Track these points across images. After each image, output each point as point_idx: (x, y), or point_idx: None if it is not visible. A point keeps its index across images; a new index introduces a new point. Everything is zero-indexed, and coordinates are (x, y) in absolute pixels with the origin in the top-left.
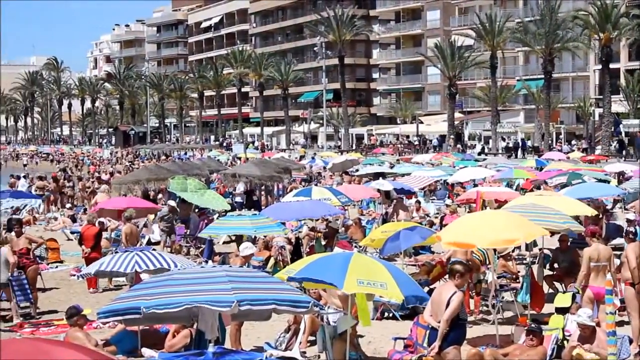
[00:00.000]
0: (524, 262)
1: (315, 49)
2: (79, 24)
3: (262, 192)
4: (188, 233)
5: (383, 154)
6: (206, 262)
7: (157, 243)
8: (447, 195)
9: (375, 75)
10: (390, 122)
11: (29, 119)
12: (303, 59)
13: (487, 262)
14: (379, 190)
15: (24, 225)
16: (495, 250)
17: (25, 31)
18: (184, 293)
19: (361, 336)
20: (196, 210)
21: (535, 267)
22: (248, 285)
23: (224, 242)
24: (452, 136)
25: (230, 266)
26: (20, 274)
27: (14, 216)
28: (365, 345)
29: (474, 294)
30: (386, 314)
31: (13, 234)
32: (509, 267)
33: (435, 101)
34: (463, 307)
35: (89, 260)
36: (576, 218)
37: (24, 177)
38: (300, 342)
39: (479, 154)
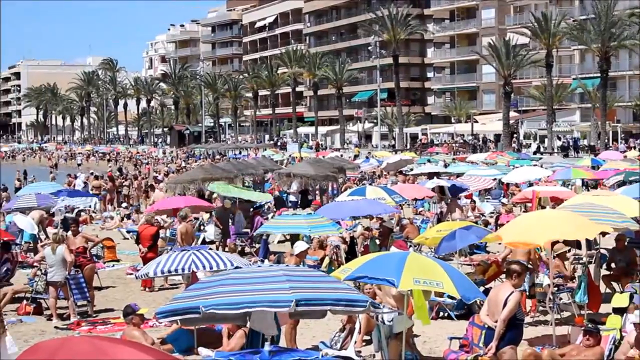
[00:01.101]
0: (581, 262)
1: (369, 48)
2: (135, 24)
3: (317, 192)
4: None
5: (437, 153)
6: (262, 261)
7: (212, 242)
8: (502, 195)
9: (429, 75)
10: (444, 121)
11: (85, 119)
12: (357, 59)
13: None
14: (434, 189)
15: (81, 224)
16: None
17: (82, 32)
18: (243, 292)
19: (416, 336)
20: (251, 209)
21: (592, 267)
22: (306, 285)
23: (279, 242)
24: (514, 135)
25: (287, 265)
26: (78, 272)
27: (70, 215)
28: (421, 345)
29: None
30: (441, 314)
31: (70, 233)
32: (561, 267)
33: (490, 100)
34: (520, 307)
35: (146, 260)
36: (634, 218)
37: (76, 177)
38: (355, 342)
39: (535, 153)
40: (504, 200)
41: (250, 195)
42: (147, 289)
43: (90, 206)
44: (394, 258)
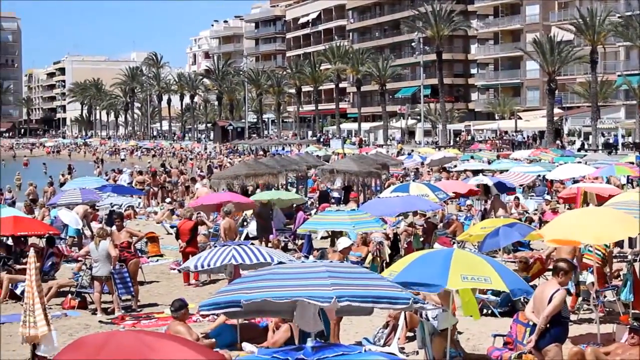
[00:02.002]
0: (626, 260)
1: (412, 44)
2: (179, 20)
3: (360, 188)
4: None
5: (481, 150)
6: (306, 257)
7: (255, 238)
8: (546, 192)
9: (473, 71)
10: (488, 117)
11: (129, 115)
12: (400, 55)
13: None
14: (478, 186)
15: (125, 219)
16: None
17: (126, 27)
18: (284, 287)
19: (460, 333)
20: (293, 205)
21: (637, 265)
22: (348, 281)
23: (322, 238)
24: (560, 132)
25: (331, 261)
26: (122, 267)
27: (115, 209)
28: (464, 342)
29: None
30: (485, 311)
31: (114, 227)
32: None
33: (534, 97)
34: (566, 305)
35: (185, 255)
36: None
37: (120, 171)
38: (399, 338)
39: (579, 150)
40: (548, 197)
41: (288, 196)
42: (191, 284)
43: (132, 205)
44: (439, 256)
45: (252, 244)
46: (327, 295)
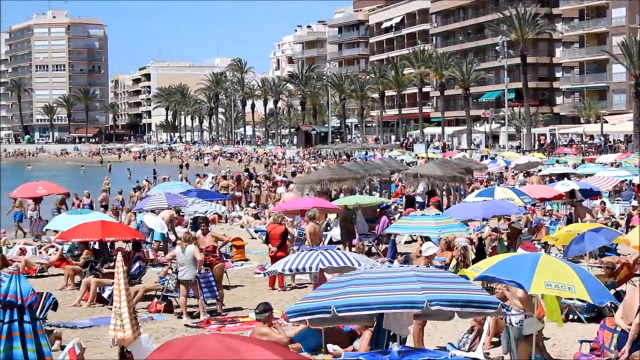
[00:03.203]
0: None
1: (497, 48)
2: (262, 26)
3: (444, 192)
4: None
5: (566, 154)
6: (390, 262)
7: (339, 242)
8: (633, 196)
9: (558, 74)
10: (573, 121)
11: (213, 120)
12: (484, 58)
13: None
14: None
15: (210, 223)
16: None
17: (210, 33)
18: (374, 293)
19: (546, 338)
20: (377, 209)
21: None
22: (437, 285)
23: (405, 242)
24: None
25: (417, 266)
26: (207, 271)
27: (200, 214)
28: (550, 348)
29: None
30: (571, 316)
31: (200, 232)
32: None
33: (620, 100)
34: None
35: (275, 259)
36: None
37: (205, 176)
38: (484, 343)
39: None
40: (635, 202)
41: (371, 201)
42: (277, 289)
43: (214, 212)
44: (525, 260)
45: (338, 248)
46: (418, 299)
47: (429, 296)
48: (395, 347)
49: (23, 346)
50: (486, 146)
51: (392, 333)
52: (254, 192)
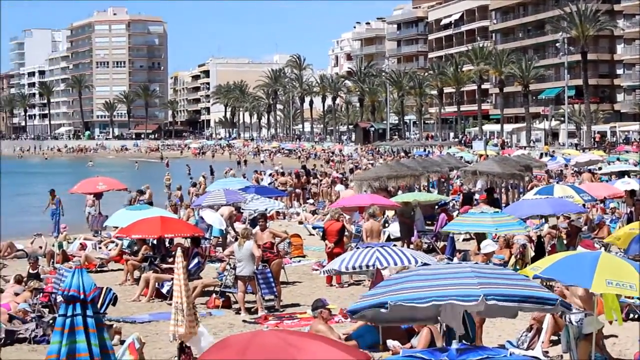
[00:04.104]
0: None
1: (557, 45)
2: (321, 23)
3: (503, 190)
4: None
5: (627, 151)
6: (449, 259)
7: (397, 239)
8: None
9: (619, 71)
10: (634, 119)
11: (271, 116)
12: (544, 55)
13: None
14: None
15: (268, 220)
16: None
17: (269, 30)
18: (430, 287)
19: (607, 337)
20: (436, 207)
21: None
22: (494, 281)
23: (464, 240)
24: None
25: (476, 263)
26: (265, 267)
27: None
28: (610, 347)
29: None
30: (631, 315)
31: (258, 228)
32: None
33: None
34: None
35: (332, 256)
36: None
37: (262, 173)
38: (543, 342)
39: None
40: None
41: (429, 198)
42: (335, 286)
43: (273, 209)
44: (586, 258)
45: (395, 245)
46: (474, 293)
47: (485, 291)
48: (454, 344)
49: (87, 340)
50: (545, 144)
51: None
52: (311, 188)
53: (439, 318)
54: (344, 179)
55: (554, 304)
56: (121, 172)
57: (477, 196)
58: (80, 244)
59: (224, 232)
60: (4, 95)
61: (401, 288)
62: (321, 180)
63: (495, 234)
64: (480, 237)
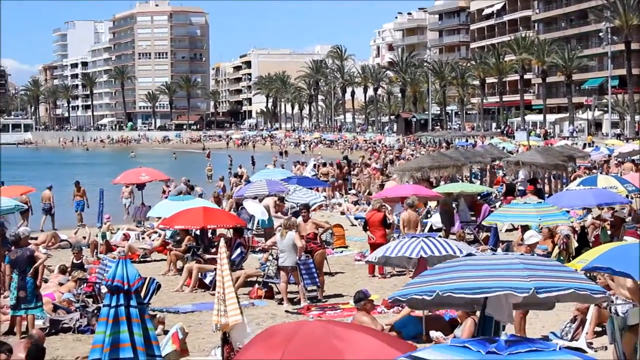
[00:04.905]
0: None
1: (600, 34)
2: (363, 13)
3: (545, 180)
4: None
5: None
6: (493, 250)
7: (439, 230)
8: None
9: None
10: None
11: (313, 107)
12: (587, 45)
13: None
14: None
15: (311, 210)
16: None
17: (310, 21)
18: (480, 278)
19: None
20: (479, 197)
21: None
22: (543, 273)
23: (506, 230)
24: None
25: (522, 254)
26: (308, 258)
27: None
28: None
29: None
30: None
31: (300, 219)
32: None
33: None
34: None
35: (374, 246)
36: None
37: (304, 164)
38: (587, 333)
39: None
40: None
41: (471, 189)
42: (377, 276)
43: (316, 203)
44: (634, 249)
45: (440, 236)
46: (524, 286)
47: (535, 284)
48: (503, 335)
49: (130, 330)
50: (589, 134)
51: (497, 322)
52: (351, 179)
53: (475, 306)
54: (384, 169)
55: (601, 295)
56: (162, 163)
57: (520, 187)
58: (124, 234)
59: (269, 222)
60: (47, 87)
61: (449, 277)
62: (362, 170)
63: (541, 225)
64: (525, 227)
